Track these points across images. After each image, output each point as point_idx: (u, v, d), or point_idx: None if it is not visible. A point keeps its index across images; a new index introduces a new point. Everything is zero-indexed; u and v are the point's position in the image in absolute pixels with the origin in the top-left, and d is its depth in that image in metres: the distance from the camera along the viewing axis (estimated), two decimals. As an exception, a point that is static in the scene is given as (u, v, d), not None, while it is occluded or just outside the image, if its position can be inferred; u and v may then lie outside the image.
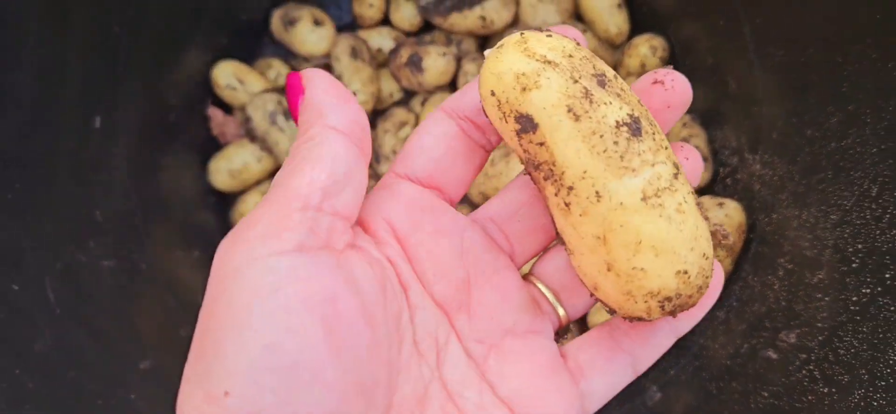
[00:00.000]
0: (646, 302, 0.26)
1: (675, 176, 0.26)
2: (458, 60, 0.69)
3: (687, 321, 0.31)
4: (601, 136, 0.25)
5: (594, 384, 0.31)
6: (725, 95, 0.63)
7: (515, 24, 0.69)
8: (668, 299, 0.26)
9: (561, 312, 0.31)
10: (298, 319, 0.24)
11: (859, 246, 0.47)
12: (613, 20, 0.69)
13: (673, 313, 0.27)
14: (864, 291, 0.45)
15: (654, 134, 0.27)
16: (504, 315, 0.30)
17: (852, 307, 0.46)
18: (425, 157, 0.30)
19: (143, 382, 0.54)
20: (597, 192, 0.26)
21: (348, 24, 0.76)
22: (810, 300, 0.49)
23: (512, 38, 0.27)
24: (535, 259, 0.33)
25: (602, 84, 0.26)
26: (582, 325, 0.62)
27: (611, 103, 0.26)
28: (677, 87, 0.30)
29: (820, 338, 0.47)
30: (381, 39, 0.73)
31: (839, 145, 0.49)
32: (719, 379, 0.54)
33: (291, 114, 0.28)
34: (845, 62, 0.49)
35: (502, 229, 0.31)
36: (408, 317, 0.28)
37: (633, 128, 0.26)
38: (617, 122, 0.26)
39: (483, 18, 0.67)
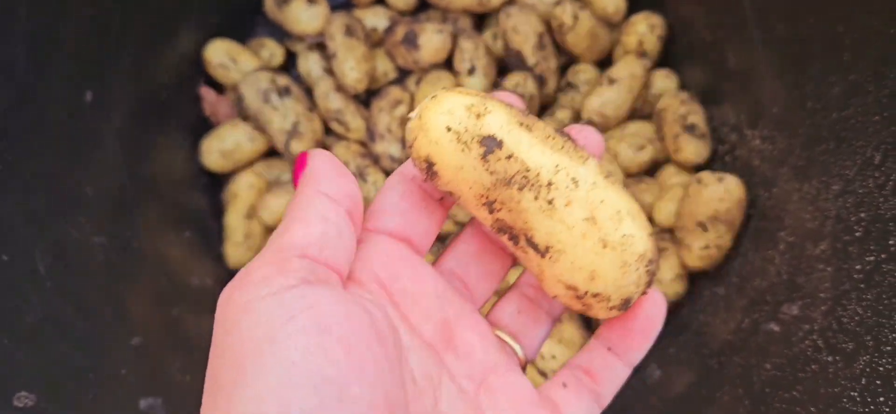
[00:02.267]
0: (637, 269, 0.28)
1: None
2: (454, 38, 0.69)
3: (638, 352, 0.33)
4: (553, 139, 0.29)
5: None
6: (724, 72, 0.62)
7: (512, 2, 0.68)
8: (651, 261, 0.29)
9: (520, 353, 0.33)
10: (317, 339, 0.24)
11: (862, 214, 0.46)
12: (611, -1, 0.69)
13: (650, 282, 0.30)
14: (867, 259, 0.45)
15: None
16: (486, 354, 0.32)
17: (856, 275, 0.45)
18: (394, 213, 0.32)
19: (134, 358, 0.53)
20: (573, 179, 0.28)
21: (342, 4, 0.75)
22: (812, 272, 0.49)
23: (436, 94, 0.29)
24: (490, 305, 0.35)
25: (523, 113, 0.29)
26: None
27: (538, 120, 0.29)
28: (590, 142, 0.32)
29: (823, 308, 0.46)
30: (376, 19, 0.72)
31: (841, 115, 0.49)
32: (720, 354, 0.54)
33: (293, 183, 0.30)
34: (846, 32, 0.49)
35: (461, 278, 0.34)
36: (404, 356, 0.29)
37: (564, 134, 0.29)
38: (554, 130, 0.29)
39: (479, -5, 0.66)
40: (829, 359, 0.43)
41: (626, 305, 0.29)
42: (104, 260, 0.56)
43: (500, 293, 0.44)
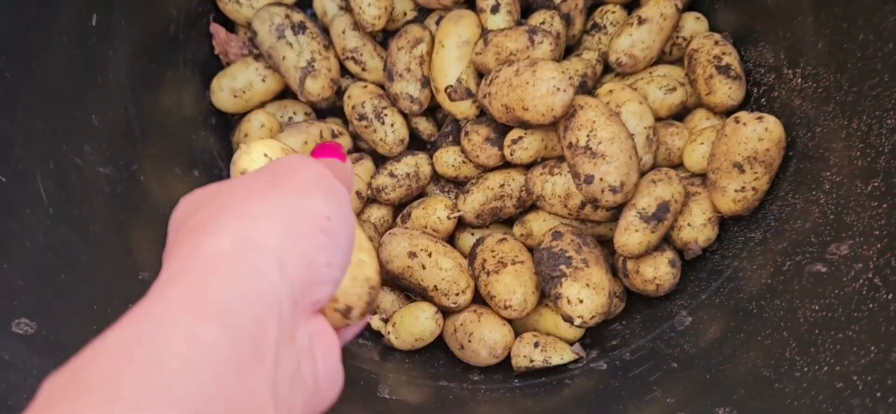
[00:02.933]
0: (362, 287, 0.34)
1: None
2: (477, -25, 0.65)
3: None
4: None
5: None
6: (761, 10, 0.59)
7: (539, -64, 0.65)
8: (373, 288, 0.35)
9: None
10: None
11: (920, 148, 0.44)
12: (641, -63, 0.66)
13: (371, 304, 0.35)
14: (925, 194, 0.42)
15: None
16: None
17: (912, 212, 0.43)
18: None
19: (141, 293, 0.50)
20: None
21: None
22: (864, 210, 0.46)
23: (248, 145, 0.38)
24: None
25: None
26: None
27: None
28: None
29: (878, 246, 0.44)
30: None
31: (896, 45, 0.46)
32: (760, 298, 0.51)
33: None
34: (906, -47, 0.46)
35: None
36: None
37: None
38: None
39: (506, -72, 0.63)
40: (889, 296, 0.41)
41: (347, 312, 0.33)
42: (110, 192, 0.53)
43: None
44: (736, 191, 0.55)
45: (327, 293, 0.29)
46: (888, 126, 0.46)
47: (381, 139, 0.65)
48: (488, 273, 0.59)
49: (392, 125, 0.65)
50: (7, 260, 0.43)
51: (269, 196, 0.28)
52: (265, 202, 0.28)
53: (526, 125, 0.58)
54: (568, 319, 0.55)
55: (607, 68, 0.67)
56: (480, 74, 0.64)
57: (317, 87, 0.64)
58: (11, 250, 0.44)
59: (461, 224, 0.65)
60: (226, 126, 0.70)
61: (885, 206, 0.44)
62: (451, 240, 0.66)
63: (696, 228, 0.58)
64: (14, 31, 0.48)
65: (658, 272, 0.57)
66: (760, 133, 0.54)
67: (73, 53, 0.53)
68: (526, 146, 0.60)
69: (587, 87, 0.63)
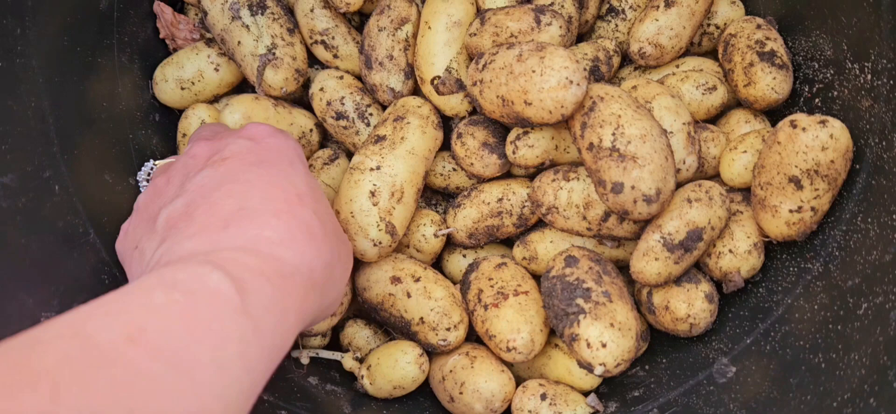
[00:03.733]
0: None
1: None
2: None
3: None
4: None
5: None
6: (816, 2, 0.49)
7: None
8: None
9: None
10: None
11: None
12: None
13: None
14: None
15: None
16: None
17: None
18: None
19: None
20: None
21: None
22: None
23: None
24: None
25: None
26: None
27: None
28: None
29: None
30: None
31: None
32: (828, 349, 0.41)
33: None
34: None
35: None
36: None
37: None
38: None
39: None
40: None
41: None
42: (9, 207, 0.42)
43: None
44: (790, 211, 0.45)
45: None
46: None
47: (362, 141, 0.54)
48: (486, 306, 0.48)
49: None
50: None
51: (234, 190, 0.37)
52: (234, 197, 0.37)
53: (525, 123, 0.47)
54: (587, 367, 0.44)
55: (625, 60, 0.57)
56: (477, 57, 0.53)
57: (279, 79, 0.53)
58: None
59: (450, 243, 0.54)
60: (172, 123, 0.58)
61: None
62: (437, 262, 0.55)
63: (739, 256, 0.48)
64: None
65: (693, 309, 0.47)
66: (824, 140, 0.44)
67: (-37, 31, 0.42)
68: (531, 143, 0.49)
69: (600, 76, 0.53)
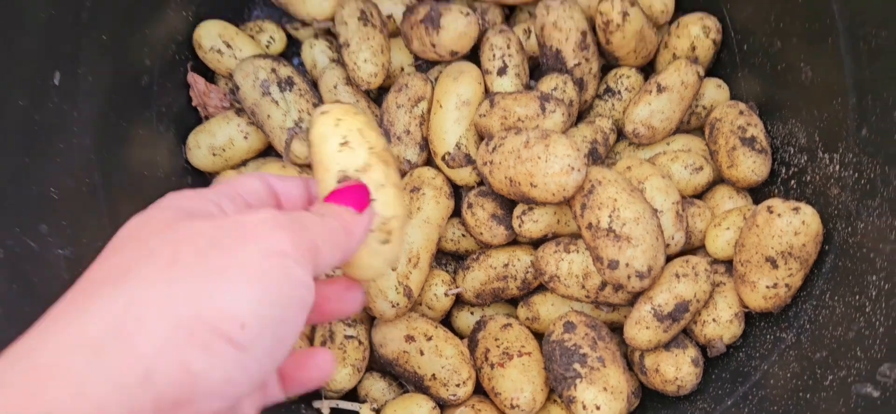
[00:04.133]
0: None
1: None
2: (482, 30, 0.60)
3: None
4: None
5: None
6: (795, 85, 0.54)
7: (550, -7, 0.60)
8: None
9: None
10: None
11: None
12: (659, -4, 0.61)
13: None
14: None
15: None
16: None
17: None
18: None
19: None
20: None
21: (353, -14, 0.66)
22: (921, 328, 0.41)
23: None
24: None
25: None
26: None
27: None
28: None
29: (941, 375, 0.39)
30: (393, 5, 0.63)
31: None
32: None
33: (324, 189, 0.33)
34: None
35: None
36: None
37: None
38: None
39: (516, -16, 0.58)
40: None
41: None
42: (70, 278, 0.47)
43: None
44: (767, 287, 0.51)
45: (215, 408, 0.24)
46: (948, 235, 0.41)
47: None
48: (492, 365, 0.53)
49: (387, 193, 0.59)
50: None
51: (183, 274, 0.24)
52: (173, 283, 0.23)
53: (530, 202, 0.53)
54: (578, 425, 0.50)
55: (620, 135, 0.62)
56: (482, 137, 0.59)
57: (304, 150, 0.59)
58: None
59: (459, 301, 0.60)
60: (203, 185, 0.63)
61: (948, 329, 0.40)
62: (447, 318, 0.60)
63: (722, 325, 0.53)
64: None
65: (680, 373, 0.52)
66: (797, 226, 0.49)
67: (32, 118, 0.47)
68: (536, 219, 0.55)
69: (598, 156, 0.58)
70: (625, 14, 0.57)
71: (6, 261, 0.43)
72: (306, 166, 0.61)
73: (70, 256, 0.47)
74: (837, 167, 0.50)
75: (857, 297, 0.46)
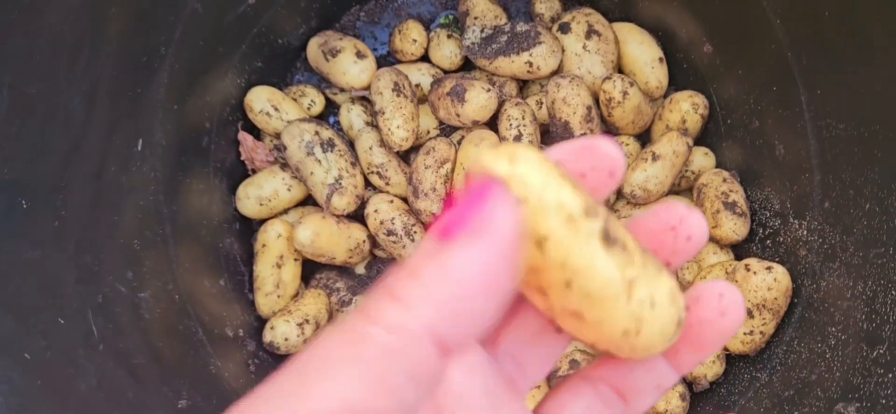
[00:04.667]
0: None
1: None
2: (500, 103, 0.69)
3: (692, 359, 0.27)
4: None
5: None
6: (770, 159, 0.63)
7: (559, 70, 0.69)
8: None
9: None
10: None
11: (922, 325, 0.47)
12: (653, 74, 0.70)
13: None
14: (928, 370, 0.46)
15: None
16: None
17: (916, 386, 0.46)
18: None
19: (181, 422, 0.52)
20: None
21: (383, 56, 0.75)
22: (870, 375, 0.50)
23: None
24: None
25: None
26: None
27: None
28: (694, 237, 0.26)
29: (885, 415, 0.47)
30: (421, 75, 0.72)
31: (902, 223, 0.50)
32: (769, 446, 0.54)
33: (436, 224, 0.20)
34: (912, 142, 0.50)
35: (515, 359, 0.27)
36: None
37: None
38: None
39: (530, 64, 0.67)
40: (897, 472, 0.44)
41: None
42: (150, 318, 0.55)
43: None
44: (745, 334, 0.59)
45: None
46: (892, 297, 0.50)
47: (408, 254, 0.68)
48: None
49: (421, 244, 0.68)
50: (61, 407, 0.45)
51: None
52: None
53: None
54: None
55: (619, 195, 0.71)
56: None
57: (343, 203, 0.67)
58: (67, 396, 0.45)
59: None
60: (247, 230, 0.71)
61: (890, 375, 0.48)
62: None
63: (706, 365, 0.61)
64: (67, 163, 0.50)
65: (669, 405, 0.61)
66: (769, 282, 0.58)
67: (120, 181, 0.55)
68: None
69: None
70: (625, 92, 0.66)
71: (104, 304, 0.50)
72: (344, 217, 0.69)
73: (148, 299, 0.55)
74: (805, 232, 0.59)
75: (820, 344, 0.55)
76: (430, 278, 0.19)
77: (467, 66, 0.73)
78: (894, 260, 0.50)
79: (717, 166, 0.70)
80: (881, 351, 0.49)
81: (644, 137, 0.72)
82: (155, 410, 0.51)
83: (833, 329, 0.54)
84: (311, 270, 0.70)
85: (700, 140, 0.72)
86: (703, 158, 0.69)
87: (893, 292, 0.50)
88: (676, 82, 0.72)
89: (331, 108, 0.75)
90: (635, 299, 0.23)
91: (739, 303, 0.25)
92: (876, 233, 0.52)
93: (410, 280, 0.19)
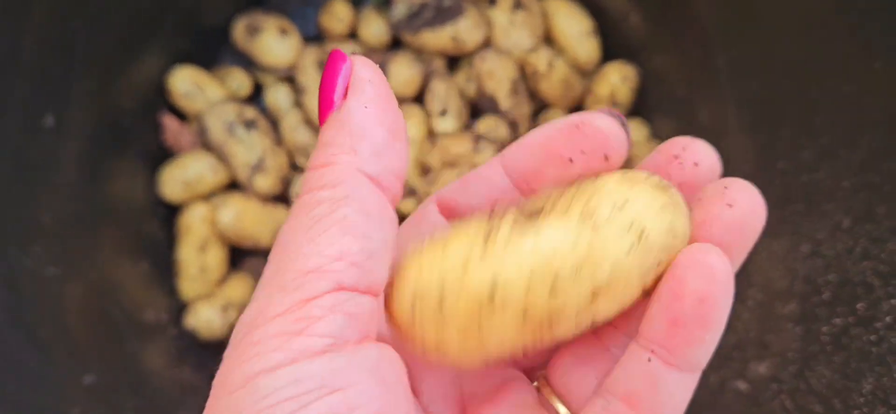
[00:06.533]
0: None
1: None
2: (426, 78, 0.68)
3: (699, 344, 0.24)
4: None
5: None
6: (696, 127, 0.63)
7: (487, 44, 0.68)
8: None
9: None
10: None
11: (831, 277, 0.47)
12: (583, 47, 0.69)
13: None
14: (835, 321, 0.46)
15: None
16: None
17: (824, 338, 0.46)
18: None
19: (86, 397, 0.51)
20: None
21: (313, 37, 0.74)
22: (781, 331, 0.49)
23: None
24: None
25: None
26: None
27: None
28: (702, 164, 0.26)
29: (792, 369, 0.47)
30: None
31: (811, 178, 0.50)
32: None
33: (319, 114, 0.22)
34: (820, 97, 0.50)
35: None
36: None
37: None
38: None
39: (454, 38, 0.66)
40: (801, 421, 0.44)
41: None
42: (58, 291, 0.54)
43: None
44: (668, 300, 0.59)
45: None
46: (803, 252, 0.50)
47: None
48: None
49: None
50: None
51: None
52: None
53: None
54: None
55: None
56: (426, 172, 0.66)
57: (267, 184, 0.66)
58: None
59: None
60: (170, 214, 0.70)
61: (798, 329, 0.48)
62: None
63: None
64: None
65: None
66: (690, 247, 0.57)
67: (26, 154, 0.54)
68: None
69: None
70: (550, 64, 0.65)
71: (8, 275, 0.49)
72: (269, 199, 0.68)
73: (59, 275, 0.54)
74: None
75: (738, 307, 0.54)
76: (337, 136, 0.21)
77: (398, 44, 0.73)
78: (805, 216, 0.50)
79: (651, 138, 0.69)
80: (791, 307, 0.49)
81: (578, 111, 0.72)
82: (58, 382, 0.50)
83: (752, 290, 0.54)
84: (240, 257, 0.69)
85: (636, 111, 0.71)
86: (635, 130, 0.69)
87: (803, 248, 0.50)
88: (613, 56, 0.71)
89: (260, 92, 0.74)
90: (579, 242, 0.22)
91: (747, 188, 0.25)
92: (788, 190, 0.52)
93: (324, 147, 0.22)
